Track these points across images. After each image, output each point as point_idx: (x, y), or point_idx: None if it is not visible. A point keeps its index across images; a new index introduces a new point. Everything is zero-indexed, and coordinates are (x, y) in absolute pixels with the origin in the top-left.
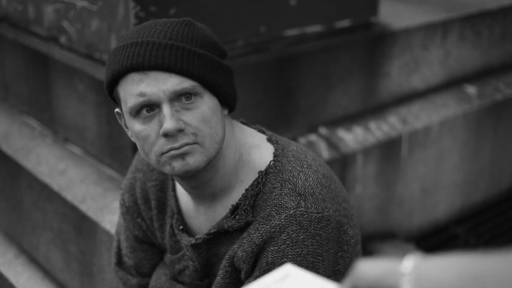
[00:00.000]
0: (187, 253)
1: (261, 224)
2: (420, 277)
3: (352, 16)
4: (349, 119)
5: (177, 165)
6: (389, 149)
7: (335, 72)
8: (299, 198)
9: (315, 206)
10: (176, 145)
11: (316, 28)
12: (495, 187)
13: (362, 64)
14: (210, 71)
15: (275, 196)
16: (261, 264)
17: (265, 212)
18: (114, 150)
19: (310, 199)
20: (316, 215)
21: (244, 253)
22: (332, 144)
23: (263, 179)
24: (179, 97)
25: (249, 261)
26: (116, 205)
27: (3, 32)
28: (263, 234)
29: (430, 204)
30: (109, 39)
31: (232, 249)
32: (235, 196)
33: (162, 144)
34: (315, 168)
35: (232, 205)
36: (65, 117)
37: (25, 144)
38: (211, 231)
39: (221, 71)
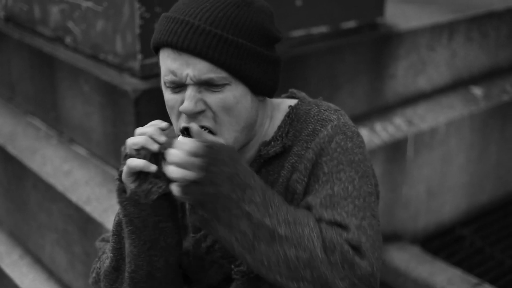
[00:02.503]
0: None
1: (309, 141)
2: None
3: (358, 17)
4: (354, 120)
5: None
6: (394, 151)
7: (340, 73)
8: (337, 113)
9: (350, 121)
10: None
11: (322, 29)
12: (501, 189)
13: (368, 65)
14: (244, 62)
15: (314, 113)
16: (318, 177)
17: (308, 129)
18: (119, 151)
19: (345, 116)
20: (354, 128)
21: (298, 173)
22: None
23: (294, 110)
24: (207, 81)
25: (303, 179)
26: None
27: (9, 32)
28: (313, 147)
29: (436, 206)
30: (114, 40)
31: (281, 175)
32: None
33: (182, 120)
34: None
35: (264, 141)
36: (71, 118)
37: (30, 145)
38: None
39: (259, 61)
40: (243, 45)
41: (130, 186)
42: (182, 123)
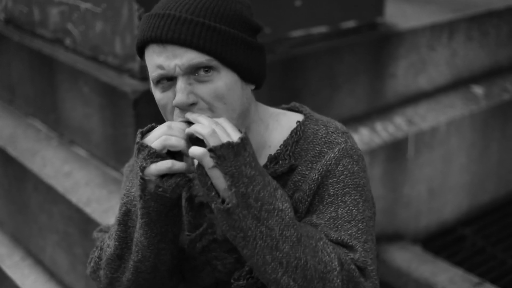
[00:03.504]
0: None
1: (314, 162)
2: None
3: (358, 17)
4: (355, 120)
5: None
6: (395, 150)
7: (340, 73)
8: (344, 135)
9: (356, 144)
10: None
11: (321, 29)
12: (503, 188)
13: (368, 65)
14: (230, 47)
15: (322, 135)
16: (322, 198)
17: (315, 151)
18: (119, 152)
19: (351, 139)
20: (359, 152)
21: (301, 192)
22: None
23: (302, 127)
24: (196, 70)
25: (307, 199)
26: None
27: (9, 35)
28: (320, 169)
29: (437, 205)
30: (113, 41)
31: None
32: (262, 158)
33: (175, 115)
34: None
35: (270, 155)
36: (71, 120)
37: (30, 147)
38: None
39: (243, 47)
40: (226, 31)
41: (155, 181)
42: (178, 118)
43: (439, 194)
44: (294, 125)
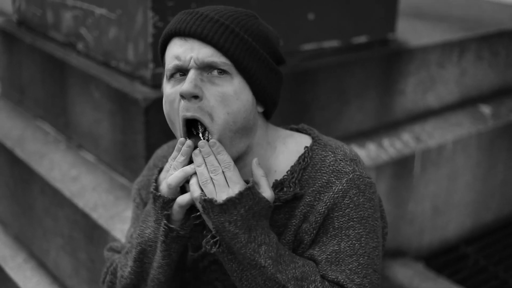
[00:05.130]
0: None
1: (322, 193)
2: None
3: (369, 32)
4: (362, 135)
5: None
6: (401, 167)
7: (350, 87)
8: (352, 163)
9: (365, 172)
10: (188, 114)
11: (333, 43)
12: (507, 208)
13: (377, 81)
14: (248, 55)
15: (329, 162)
16: (327, 230)
17: (323, 180)
18: (127, 158)
19: (360, 165)
20: (368, 179)
21: (307, 224)
22: None
23: (309, 153)
24: (211, 69)
25: (312, 232)
26: (127, 214)
27: (21, 36)
28: (327, 201)
29: (441, 223)
30: (126, 48)
31: (291, 223)
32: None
33: (182, 107)
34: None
35: (276, 180)
36: (80, 124)
37: (38, 149)
38: None
39: (262, 63)
40: (248, 41)
41: (176, 228)
42: (182, 112)
43: (443, 212)
44: (301, 150)
